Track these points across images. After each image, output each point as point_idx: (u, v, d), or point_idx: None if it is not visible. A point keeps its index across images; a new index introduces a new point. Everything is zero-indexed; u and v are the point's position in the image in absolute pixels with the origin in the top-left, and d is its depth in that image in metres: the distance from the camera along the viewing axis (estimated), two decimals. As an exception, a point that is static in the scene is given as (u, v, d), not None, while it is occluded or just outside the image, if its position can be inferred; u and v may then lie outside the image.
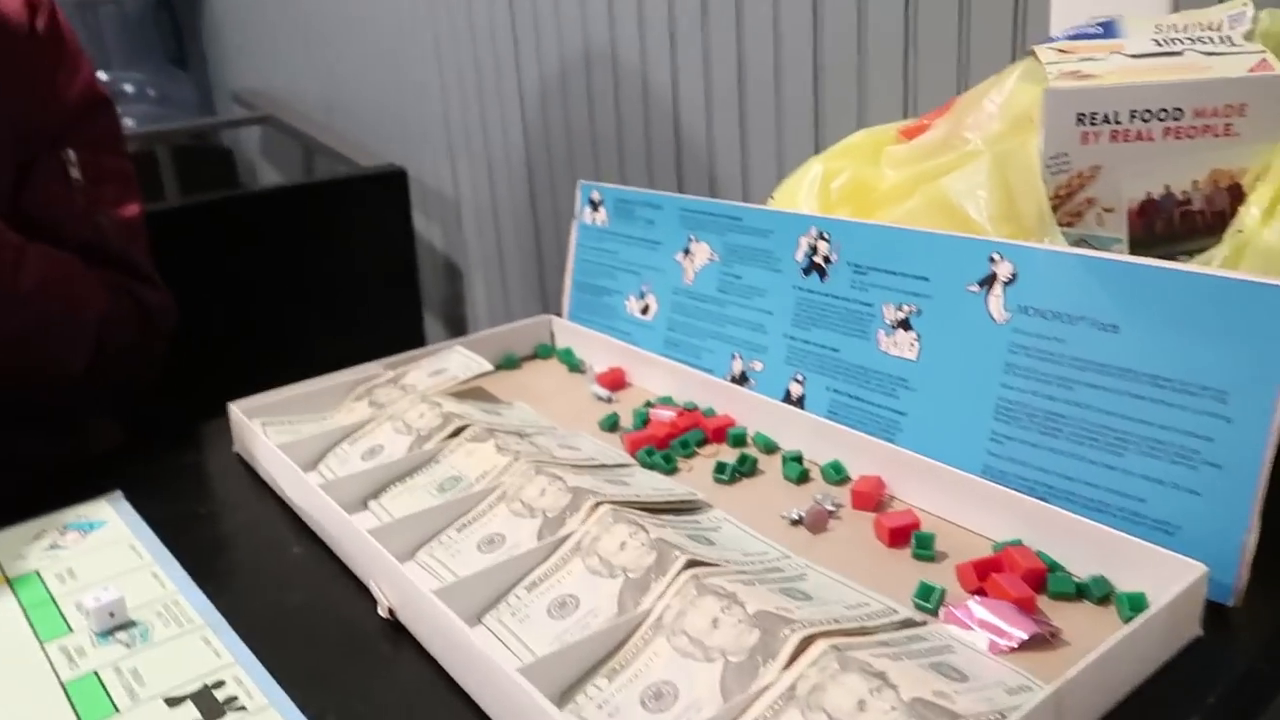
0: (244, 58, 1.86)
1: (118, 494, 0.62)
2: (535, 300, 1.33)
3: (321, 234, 1.30)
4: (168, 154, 1.67)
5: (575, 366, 0.77)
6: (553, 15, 1.14)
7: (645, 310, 0.75)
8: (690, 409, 0.66)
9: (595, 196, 0.81)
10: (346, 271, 1.33)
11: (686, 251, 0.72)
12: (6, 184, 0.74)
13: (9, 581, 0.52)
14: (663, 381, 0.70)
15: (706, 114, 0.99)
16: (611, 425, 0.65)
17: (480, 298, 1.44)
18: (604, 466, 0.57)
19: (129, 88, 1.79)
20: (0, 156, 0.73)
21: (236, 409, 0.67)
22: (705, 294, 0.70)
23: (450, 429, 0.61)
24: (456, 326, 1.52)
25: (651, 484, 0.55)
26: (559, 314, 0.83)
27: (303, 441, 0.63)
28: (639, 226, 0.77)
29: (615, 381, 0.72)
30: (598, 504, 0.49)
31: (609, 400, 0.70)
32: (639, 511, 0.49)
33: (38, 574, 0.53)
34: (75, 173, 0.77)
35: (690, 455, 0.60)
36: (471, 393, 0.72)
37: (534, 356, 0.80)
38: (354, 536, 0.50)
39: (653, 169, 1.07)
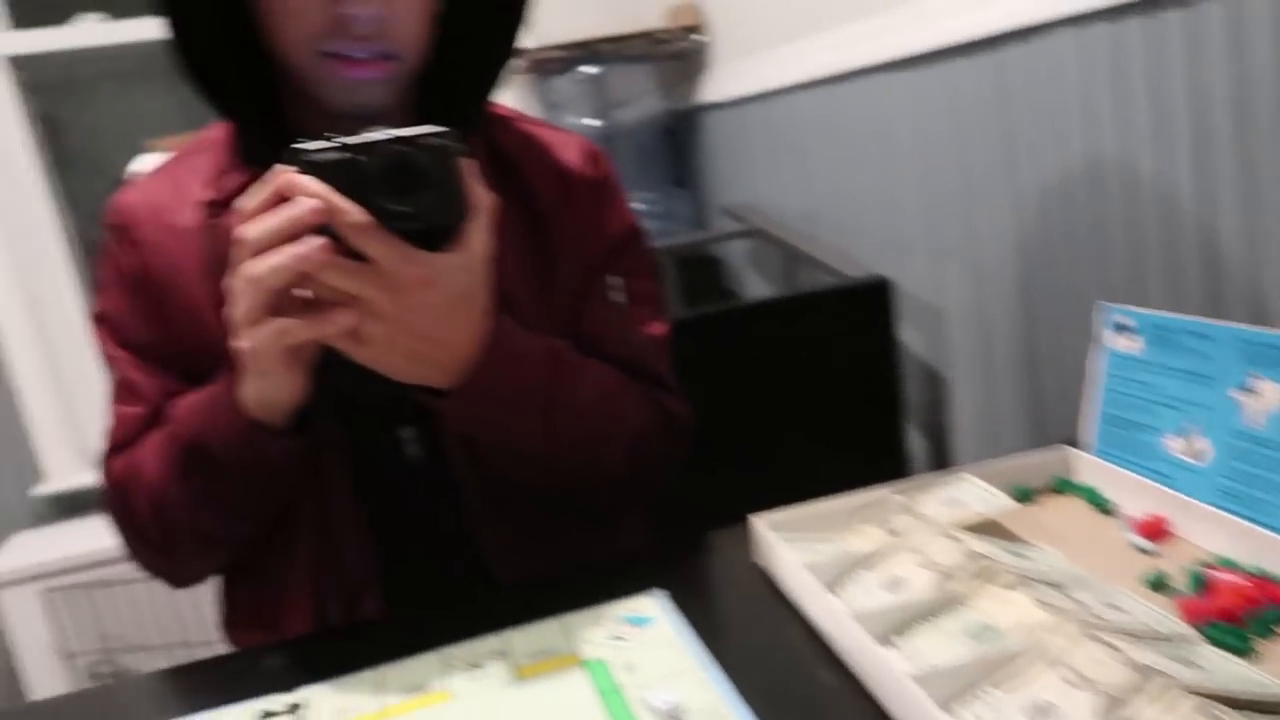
0: (733, 175, 2.03)
1: (662, 593, 0.68)
2: (1028, 421, 1.26)
3: (806, 343, 1.36)
4: (672, 264, 1.87)
5: (1102, 507, 0.71)
6: (1049, 121, 1.09)
7: (1193, 452, 0.67)
8: (1260, 575, 0.57)
9: (1124, 321, 0.75)
10: (828, 380, 1.37)
11: (1248, 389, 0.64)
12: (567, 308, 0.86)
13: (583, 664, 0.60)
14: (1220, 538, 0.62)
15: (1248, 234, 0.88)
16: (1157, 584, 0.59)
17: (965, 413, 1.40)
18: (1163, 639, 0.51)
19: (642, 207, 2.06)
20: (569, 285, 0.86)
21: (760, 523, 0.71)
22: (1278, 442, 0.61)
23: (976, 568, 0.59)
24: (937, 441, 1.49)
25: (1229, 669, 0.48)
26: (1069, 443, 0.77)
27: (823, 563, 0.65)
28: (1183, 357, 0.69)
29: (1156, 531, 0.65)
30: (1171, 689, 0.44)
31: (1149, 553, 0.64)
32: (1222, 707, 0.43)
33: (605, 662, 0.60)
34: (618, 296, 0.87)
35: (1270, 637, 0.52)
36: (989, 528, 0.69)
37: (1050, 491, 0.76)
38: (892, 677, 0.50)
39: (1178, 291, 0.97)
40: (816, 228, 1.71)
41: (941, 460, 1.50)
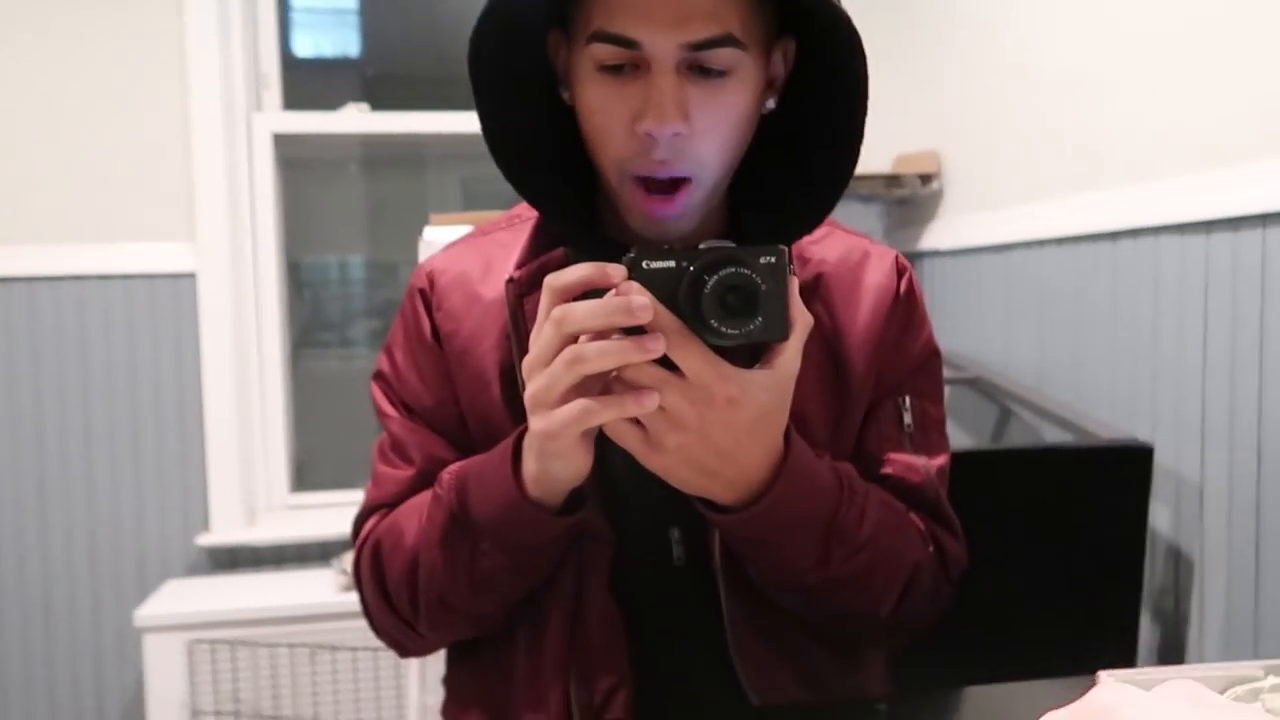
0: (951, 323, 1.98)
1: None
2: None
3: (1047, 500, 1.27)
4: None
5: None
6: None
7: None
8: None
9: None
10: (1064, 542, 1.27)
11: None
12: (857, 430, 0.82)
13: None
14: None
15: None
16: None
17: (1216, 602, 1.27)
18: None
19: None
20: (861, 406, 0.81)
21: (1110, 679, 0.63)
22: None
23: None
24: (1173, 630, 1.35)
25: None
26: None
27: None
28: None
29: None
30: None
31: None
32: None
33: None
34: (908, 419, 0.83)
35: None
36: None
37: None
38: None
39: None
40: (1044, 386, 1.63)
41: (1173, 652, 1.35)
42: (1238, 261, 1.21)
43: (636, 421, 0.63)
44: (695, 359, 0.60)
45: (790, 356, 0.64)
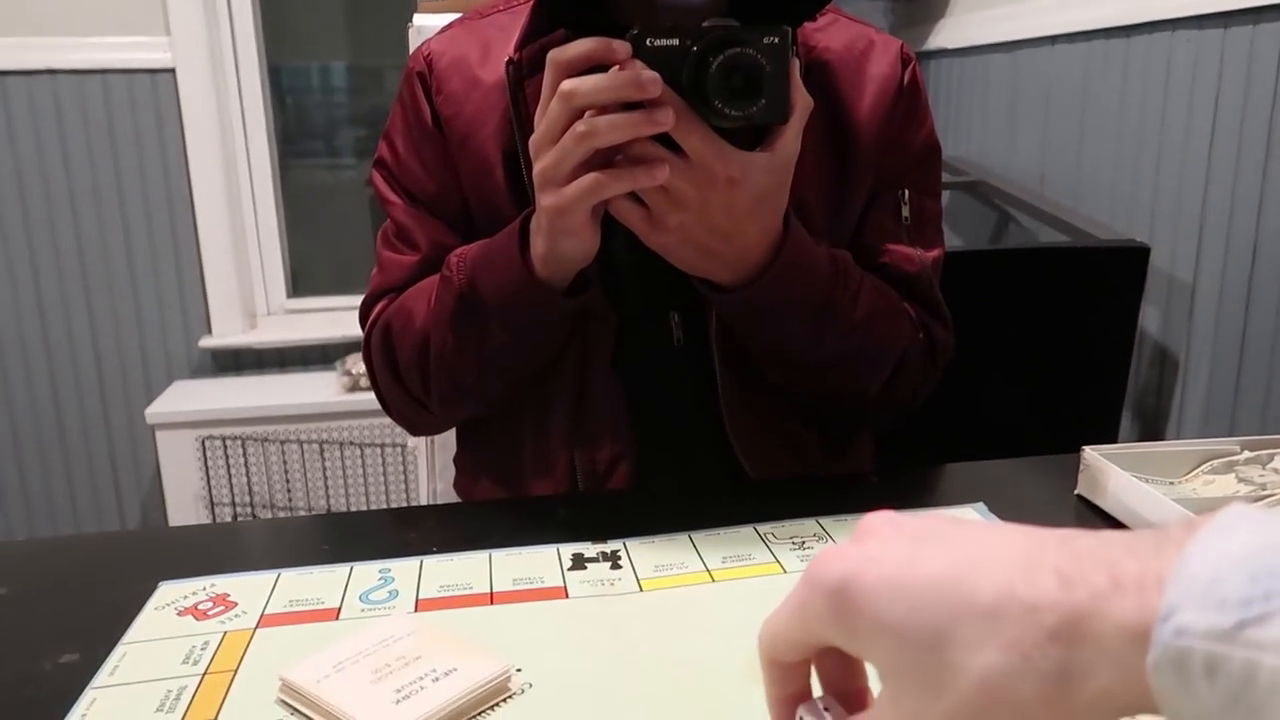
0: (955, 125, 1.94)
1: (981, 506, 0.65)
2: (1274, 417, 1.17)
3: (1042, 298, 1.29)
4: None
5: None
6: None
7: None
8: None
9: None
10: (1056, 339, 1.30)
11: None
12: (857, 218, 0.83)
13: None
14: None
15: None
16: None
17: (1197, 397, 1.32)
18: None
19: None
20: (861, 194, 0.82)
21: (1094, 455, 0.66)
22: None
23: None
24: (1152, 424, 1.41)
25: None
26: None
27: (1183, 501, 0.60)
28: None
29: None
30: None
31: None
32: None
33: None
34: (905, 212, 0.83)
35: None
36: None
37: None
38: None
39: None
40: (1045, 189, 1.63)
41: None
42: (1255, 55, 1.18)
43: (639, 201, 0.63)
44: (697, 138, 0.60)
45: (790, 139, 0.64)
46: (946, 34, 1.94)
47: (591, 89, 0.59)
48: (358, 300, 0.87)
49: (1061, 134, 1.58)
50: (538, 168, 0.63)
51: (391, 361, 0.81)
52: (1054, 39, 1.59)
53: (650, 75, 0.58)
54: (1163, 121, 1.34)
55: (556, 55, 0.61)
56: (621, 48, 0.59)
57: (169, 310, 2.22)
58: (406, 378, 0.81)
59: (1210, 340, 1.28)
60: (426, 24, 1.23)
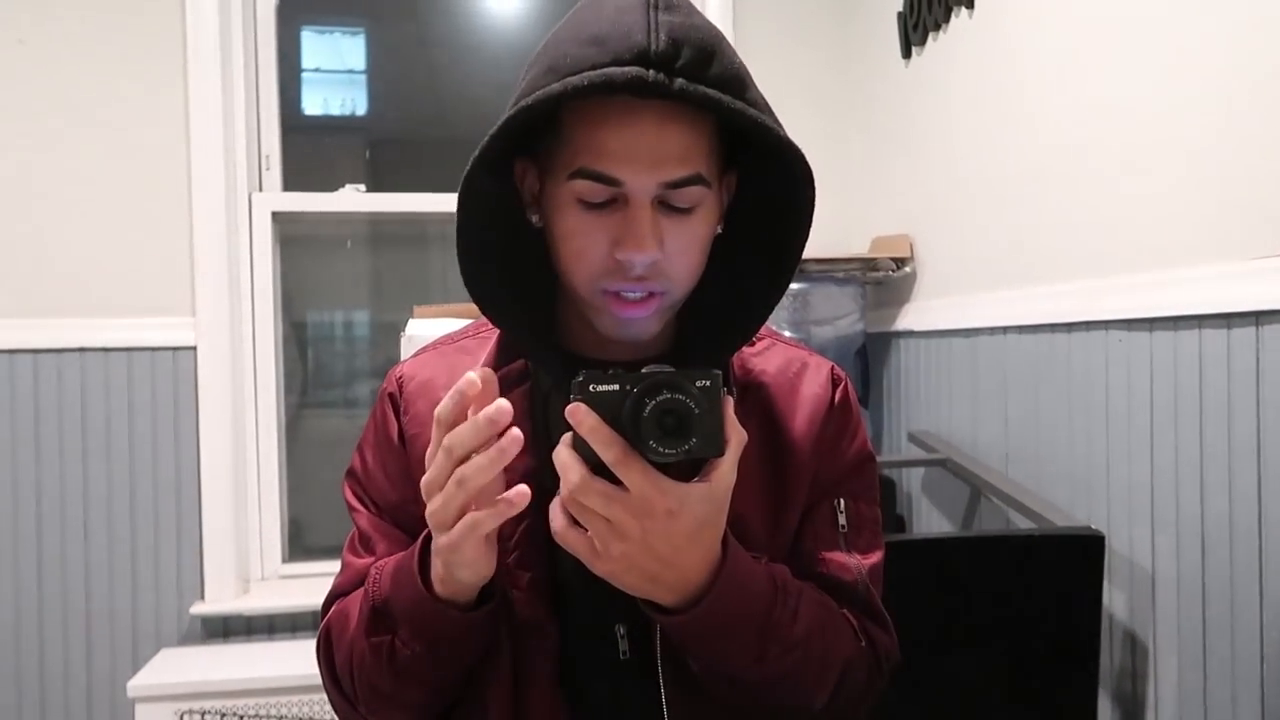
0: (922, 403, 2.03)
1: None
2: (1250, 705, 1.16)
3: (1003, 585, 1.31)
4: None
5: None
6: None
7: None
8: None
9: None
10: (1021, 628, 1.31)
11: None
12: (794, 529, 0.87)
13: None
14: None
15: None
16: None
17: (1169, 682, 1.30)
18: None
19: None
20: (797, 507, 0.87)
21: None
22: None
23: None
24: (1130, 713, 1.38)
25: None
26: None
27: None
28: None
29: None
30: None
31: None
32: None
33: None
34: (843, 520, 0.88)
35: None
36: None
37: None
38: None
39: None
40: (1009, 468, 1.69)
41: (1134, 736, 1.38)
42: (1179, 358, 1.27)
43: (585, 530, 0.68)
44: (636, 475, 0.65)
45: (726, 471, 0.69)
46: (912, 317, 2.08)
47: (460, 441, 0.67)
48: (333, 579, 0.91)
49: (1020, 416, 1.66)
50: (428, 511, 0.69)
51: (330, 664, 0.85)
52: (1005, 329, 1.70)
53: (499, 407, 0.66)
54: (1106, 412, 1.42)
55: (438, 414, 0.69)
56: (470, 387, 0.67)
57: (165, 577, 2.25)
58: (342, 681, 0.83)
59: (1174, 626, 1.28)
60: (418, 331, 1.35)
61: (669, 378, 0.66)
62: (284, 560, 2.39)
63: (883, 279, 2.09)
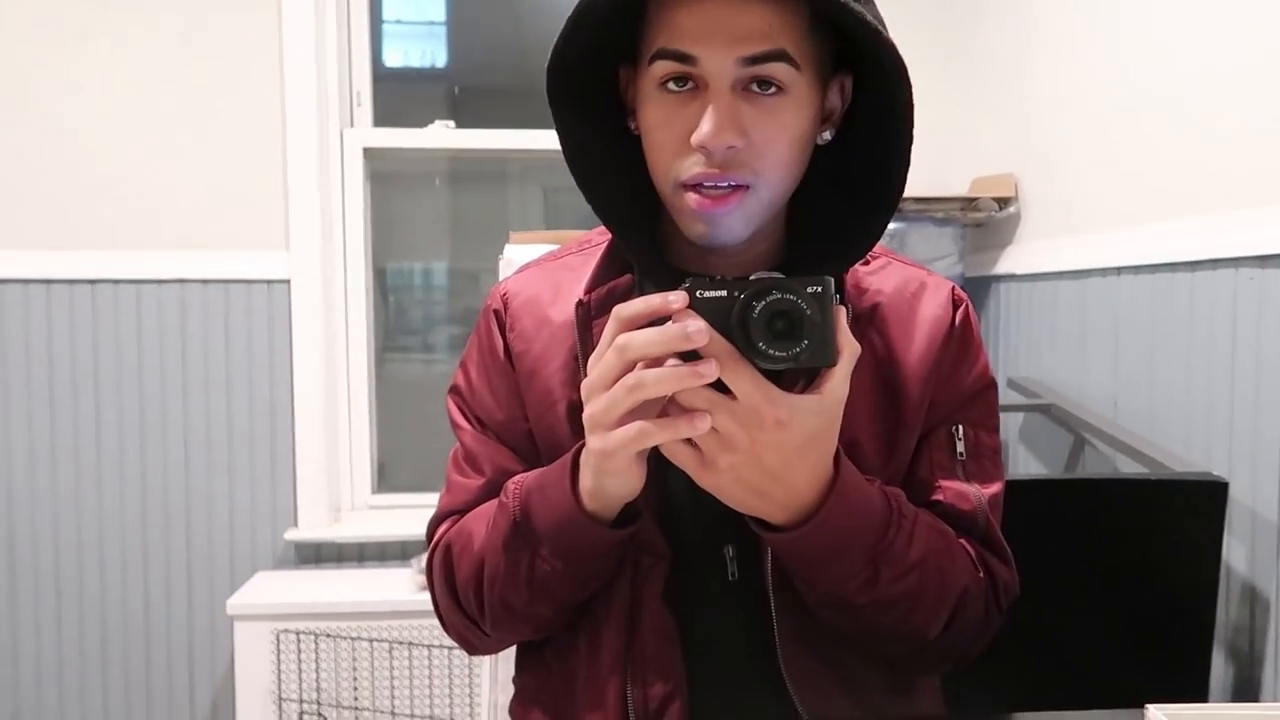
0: (1024, 349, 1.97)
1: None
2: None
3: (1118, 531, 1.26)
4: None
5: None
6: None
7: None
8: None
9: None
10: (1135, 576, 1.27)
11: None
12: (910, 457, 0.84)
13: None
14: None
15: None
16: None
17: (1290, 641, 1.25)
18: None
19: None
20: (913, 433, 0.83)
21: (1159, 714, 0.64)
22: None
23: None
24: (1245, 669, 1.33)
25: None
26: None
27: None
28: None
29: None
30: None
31: None
32: None
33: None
34: (961, 447, 0.84)
35: None
36: None
37: None
38: None
39: None
40: (1119, 416, 1.62)
41: (1247, 691, 1.33)
42: (1319, 297, 1.19)
43: (691, 442, 0.66)
44: (746, 382, 0.63)
45: (838, 383, 0.66)
46: (1014, 259, 2.00)
47: (643, 343, 0.64)
48: (436, 498, 0.91)
49: (1133, 362, 1.59)
50: (588, 412, 0.67)
51: (450, 581, 0.85)
52: (1119, 270, 1.63)
53: (698, 327, 0.62)
54: (1232, 356, 1.34)
55: (620, 310, 0.66)
56: (678, 300, 0.64)
57: (260, 504, 2.32)
58: (463, 598, 0.83)
59: (1301, 581, 1.22)
60: (516, 255, 1.34)
61: (779, 281, 0.63)
62: (373, 492, 2.45)
63: (984, 220, 2.01)
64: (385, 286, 2.55)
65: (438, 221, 2.64)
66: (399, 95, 2.60)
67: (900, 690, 0.87)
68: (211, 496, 2.30)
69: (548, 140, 2.32)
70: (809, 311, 0.62)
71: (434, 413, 2.60)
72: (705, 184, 0.73)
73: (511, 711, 0.92)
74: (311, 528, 2.31)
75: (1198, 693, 1.27)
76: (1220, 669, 1.36)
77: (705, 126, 0.71)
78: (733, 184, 0.73)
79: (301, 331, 2.29)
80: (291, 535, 2.29)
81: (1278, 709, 0.66)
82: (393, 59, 2.68)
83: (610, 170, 0.82)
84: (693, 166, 0.73)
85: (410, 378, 2.60)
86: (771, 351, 0.62)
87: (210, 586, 2.31)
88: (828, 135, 0.80)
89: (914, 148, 0.77)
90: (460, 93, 2.77)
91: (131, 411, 2.28)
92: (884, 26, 0.73)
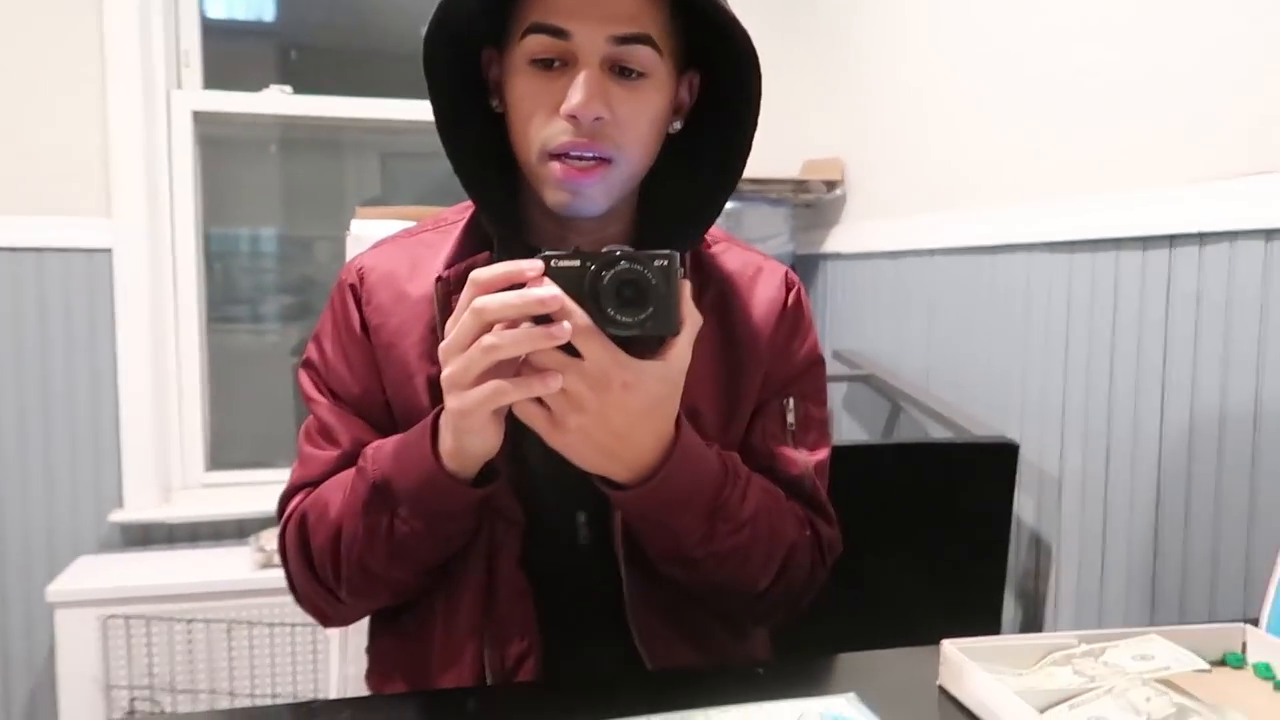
0: (846, 323, 2.11)
1: (853, 696, 0.71)
2: (1141, 600, 1.28)
3: (923, 490, 1.40)
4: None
5: (1277, 684, 0.74)
6: (1222, 326, 1.16)
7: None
8: None
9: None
10: (938, 529, 1.40)
11: None
12: (746, 424, 0.92)
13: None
14: None
15: None
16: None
17: (1069, 583, 1.42)
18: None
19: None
20: (750, 402, 0.92)
21: (953, 649, 0.74)
22: None
23: (1188, 721, 0.62)
24: (1032, 609, 1.50)
25: None
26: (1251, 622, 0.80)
27: (1026, 692, 0.68)
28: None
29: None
30: None
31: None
32: None
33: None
34: (791, 418, 0.93)
35: None
36: (1179, 687, 0.72)
37: (1220, 663, 0.78)
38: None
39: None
40: (930, 384, 1.77)
41: (1032, 626, 1.51)
42: (1095, 279, 1.35)
43: (543, 404, 0.70)
44: (595, 346, 0.68)
45: (681, 350, 0.72)
46: (840, 239, 2.14)
47: (499, 306, 0.67)
48: (275, 474, 0.91)
49: (943, 335, 1.74)
50: (446, 373, 0.70)
51: (305, 550, 0.86)
52: (933, 251, 1.78)
53: (551, 293, 0.67)
54: (1025, 331, 1.51)
55: (477, 275, 0.69)
56: (532, 268, 0.68)
57: (81, 483, 2.20)
58: (319, 567, 0.85)
59: (1077, 530, 1.39)
60: (362, 232, 1.34)
61: (628, 253, 0.68)
62: (206, 469, 2.36)
63: (814, 201, 2.14)
64: (210, 254, 2.45)
65: (270, 188, 2.55)
66: (229, 55, 2.49)
67: (738, 638, 0.95)
68: (26, 479, 2.17)
69: (386, 109, 2.32)
70: (655, 281, 0.68)
71: (268, 387, 2.53)
72: (571, 153, 0.78)
73: (368, 680, 0.94)
74: (139, 509, 2.21)
75: (992, 628, 1.43)
76: (1011, 608, 1.53)
77: (575, 96, 0.76)
78: (597, 156, 0.78)
79: (125, 302, 2.17)
80: (116, 517, 2.19)
81: (1050, 637, 0.78)
82: (216, 11, 2.55)
83: (478, 146, 0.85)
84: (560, 135, 0.77)
85: (239, 349, 2.50)
86: (619, 318, 0.67)
87: (27, 573, 2.17)
88: (677, 125, 0.86)
89: (761, 109, 0.83)
90: (297, 56, 2.67)
91: (-70, 388, 2.11)
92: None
